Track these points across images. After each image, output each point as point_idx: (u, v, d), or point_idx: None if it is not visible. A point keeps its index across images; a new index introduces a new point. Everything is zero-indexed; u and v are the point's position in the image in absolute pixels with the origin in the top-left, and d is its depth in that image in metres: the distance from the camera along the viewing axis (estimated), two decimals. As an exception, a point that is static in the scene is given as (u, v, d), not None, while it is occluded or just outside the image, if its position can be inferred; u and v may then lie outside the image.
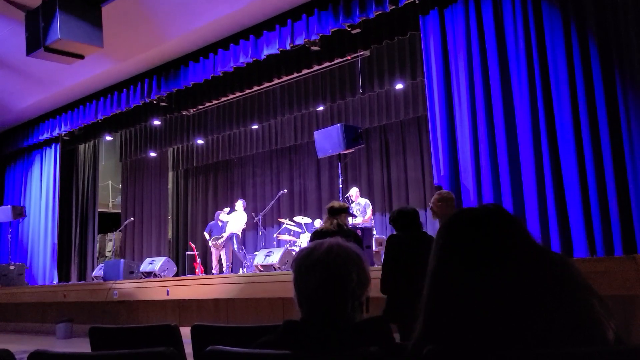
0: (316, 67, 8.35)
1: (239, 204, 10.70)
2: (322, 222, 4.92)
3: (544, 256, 1.11)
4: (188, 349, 2.19)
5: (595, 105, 5.14)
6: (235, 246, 10.29)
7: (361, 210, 8.94)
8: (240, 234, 10.56)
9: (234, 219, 10.52)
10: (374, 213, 9.35)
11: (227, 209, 11.05)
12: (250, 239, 12.60)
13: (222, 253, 10.67)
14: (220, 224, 10.78)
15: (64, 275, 11.68)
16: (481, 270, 1.08)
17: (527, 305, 1.04)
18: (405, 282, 3.59)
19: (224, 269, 10.58)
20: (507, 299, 1.04)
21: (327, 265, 1.33)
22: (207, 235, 10.86)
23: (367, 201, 9.23)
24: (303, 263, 1.36)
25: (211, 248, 10.82)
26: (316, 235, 4.64)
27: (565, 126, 5.29)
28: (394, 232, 4.09)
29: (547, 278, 1.07)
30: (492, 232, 1.12)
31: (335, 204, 4.76)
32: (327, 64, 8.24)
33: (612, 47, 5.11)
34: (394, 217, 4.03)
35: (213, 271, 10.62)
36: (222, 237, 10.54)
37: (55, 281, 11.20)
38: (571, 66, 5.33)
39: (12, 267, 11.04)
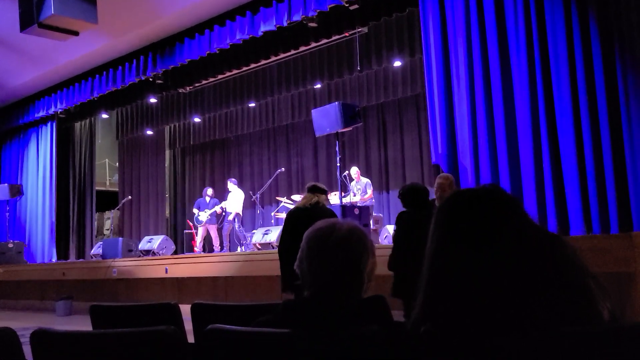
0: (313, 44, 8.27)
1: (231, 185, 10.65)
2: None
3: (541, 237, 1.11)
4: (187, 326, 2.22)
5: (594, 82, 5.12)
6: (236, 225, 10.32)
7: (362, 189, 8.96)
8: (240, 213, 10.55)
9: (232, 199, 10.50)
10: (371, 191, 9.37)
11: (210, 190, 11.02)
12: (248, 217, 12.62)
13: (212, 232, 10.63)
14: (207, 200, 10.78)
15: (62, 254, 11.73)
16: (478, 251, 1.08)
17: (523, 286, 1.05)
18: (413, 259, 3.65)
19: (214, 249, 10.58)
20: (503, 280, 1.05)
21: (349, 247, 1.33)
22: (195, 212, 10.86)
23: (368, 181, 9.25)
24: (320, 244, 1.35)
25: (198, 226, 10.81)
26: (295, 212, 4.49)
27: (564, 104, 5.28)
28: (404, 209, 4.14)
29: (544, 259, 1.08)
30: (490, 213, 1.12)
31: (318, 184, 4.68)
32: (325, 41, 8.16)
33: (613, 29, 5.07)
34: (404, 193, 4.06)
35: (195, 249, 10.61)
36: (206, 212, 10.54)
37: (54, 259, 11.25)
38: (570, 41, 5.29)
39: (10, 245, 11.07)
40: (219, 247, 10.60)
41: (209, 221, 10.61)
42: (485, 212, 1.13)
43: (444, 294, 1.10)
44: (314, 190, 4.48)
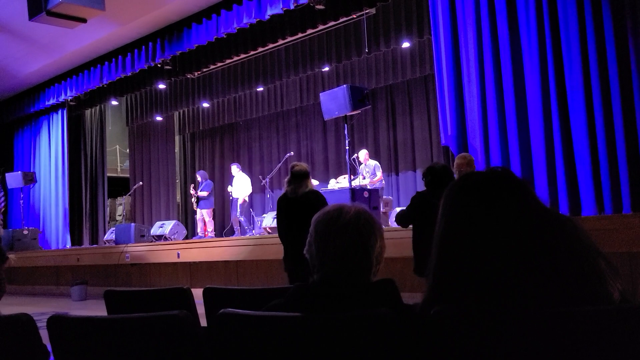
0: (321, 27, 8.20)
1: (234, 169, 10.53)
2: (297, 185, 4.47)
3: (551, 218, 1.12)
4: (200, 310, 2.25)
5: (606, 61, 5.05)
6: (238, 212, 10.29)
7: (370, 172, 8.94)
8: (246, 199, 10.44)
9: (236, 185, 10.51)
10: (379, 174, 9.34)
11: (198, 175, 10.90)
12: (258, 201, 12.68)
13: (205, 215, 10.52)
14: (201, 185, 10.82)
15: (76, 239, 11.89)
16: (488, 233, 1.09)
17: (533, 267, 1.05)
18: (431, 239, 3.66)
19: (198, 233, 10.55)
20: (513, 261, 1.06)
21: (357, 230, 1.34)
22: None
23: (377, 163, 9.22)
24: (329, 227, 1.36)
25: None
26: (285, 200, 4.37)
27: (575, 83, 5.22)
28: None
29: (554, 240, 1.08)
30: (500, 196, 1.13)
31: (301, 168, 4.43)
32: (332, 23, 8.09)
33: (625, 1, 4.98)
34: (424, 174, 4.10)
35: (207, 233, 10.57)
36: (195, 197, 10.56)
37: (68, 245, 11.41)
38: (582, 20, 5.21)
39: (25, 232, 11.23)
40: (209, 234, 10.51)
41: (200, 205, 10.52)
42: (493, 195, 1.13)
43: (454, 276, 1.11)
44: (301, 177, 4.36)
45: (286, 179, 4.48)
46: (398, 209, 8.50)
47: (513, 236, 1.08)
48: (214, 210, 10.96)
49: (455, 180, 1.22)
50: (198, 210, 10.51)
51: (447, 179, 3.94)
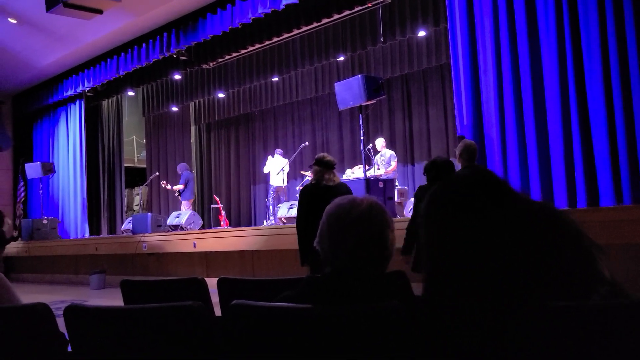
0: (336, 16, 8.16)
1: (276, 155, 10.72)
2: (312, 174, 4.53)
3: (531, 213, 1.09)
4: (215, 299, 2.27)
5: (626, 45, 4.95)
6: (270, 199, 10.42)
7: (385, 161, 8.90)
8: (278, 185, 10.40)
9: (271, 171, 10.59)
10: (395, 164, 9.30)
11: (178, 167, 11.06)
12: (273, 191, 12.75)
13: (183, 207, 10.63)
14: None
15: (94, 229, 12.06)
16: (474, 239, 1.06)
17: (523, 265, 1.03)
18: None
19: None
20: (503, 262, 1.04)
21: (370, 223, 1.35)
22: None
23: (393, 153, 9.18)
24: (341, 219, 1.36)
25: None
26: (314, 190, 4.36)
27: (594, 72, 5.12)
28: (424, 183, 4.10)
29: (538, 233, 1.06)
30: (479, 201, 1.09)
31: (331, 158, 4.45)
32: (347, 12, 8.05)
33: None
34: (426, 168, 4.03)
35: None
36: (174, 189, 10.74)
37: (87, 234, 11.58)
38: (602, 7, 5.10)
39: (45, 222, 11.42)
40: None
41: (182, 197, 10.66)
42: (472, 202, 1.10)
43: (448, 286, 1.08)
44: (332, 167, 4.36)
45: (315, 169, 4.43)
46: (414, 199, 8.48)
47: (499, 238, 1.06)
48: (194, 202, 11.20)
49: (432, 192, 1.17)
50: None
51: (451, 173, 3.88)
